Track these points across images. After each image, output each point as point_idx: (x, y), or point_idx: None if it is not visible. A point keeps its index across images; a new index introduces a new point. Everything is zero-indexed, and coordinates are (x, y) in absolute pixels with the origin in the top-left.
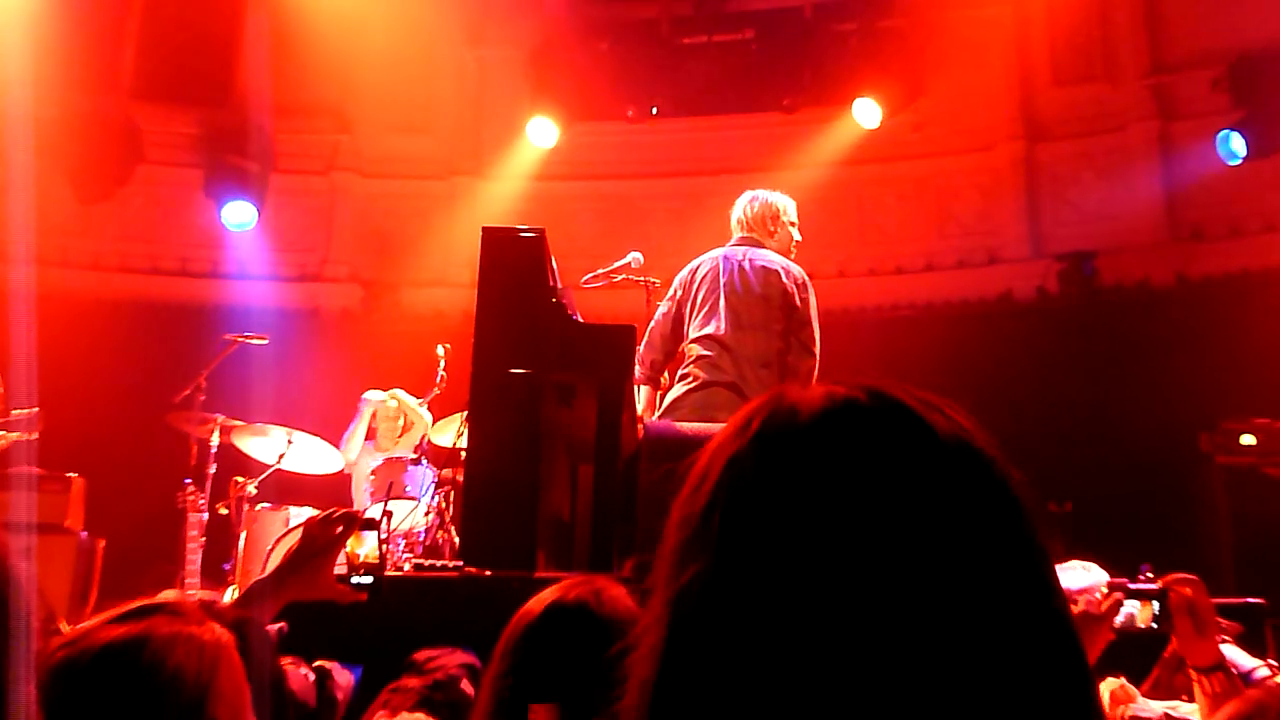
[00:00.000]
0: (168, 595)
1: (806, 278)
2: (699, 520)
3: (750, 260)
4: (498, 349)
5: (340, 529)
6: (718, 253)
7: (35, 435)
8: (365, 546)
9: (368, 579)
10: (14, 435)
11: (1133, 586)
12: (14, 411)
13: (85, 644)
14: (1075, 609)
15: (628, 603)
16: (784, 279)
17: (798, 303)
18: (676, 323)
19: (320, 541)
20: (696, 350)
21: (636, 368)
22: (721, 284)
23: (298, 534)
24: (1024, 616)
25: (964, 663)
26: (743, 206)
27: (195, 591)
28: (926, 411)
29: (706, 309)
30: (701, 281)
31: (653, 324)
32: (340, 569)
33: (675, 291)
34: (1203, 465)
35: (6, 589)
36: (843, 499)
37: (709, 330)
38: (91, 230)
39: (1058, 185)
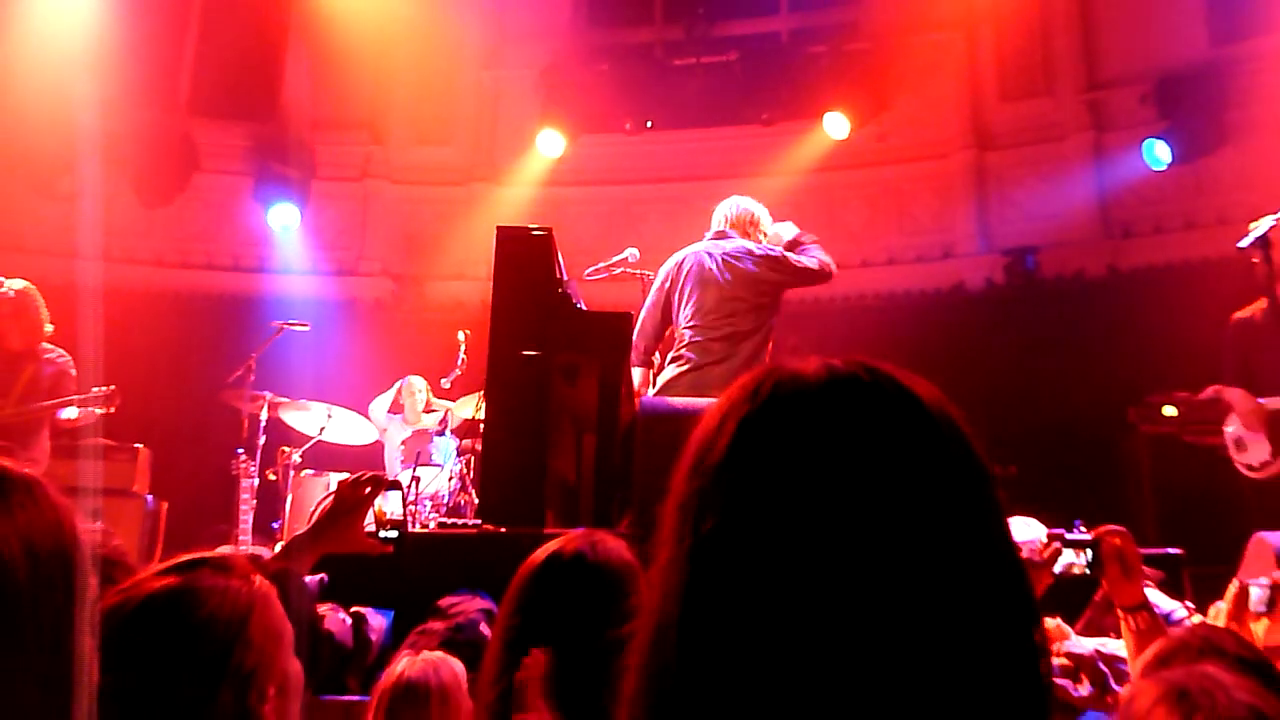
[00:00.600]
0: (223, 551)
1: (772, 249)
2: (713, 477)
3: (724, 252)
4: (511, 334)
5: (368, 490)
6: (698, 247)
7: (112, 410)
8: (391, 505)
9: (393, 533)
10: (91, 410)
11: (1070, 537)
12: (93, 389)
13: (133, 592)
14: (1020, 556)
15: (621, 552)
16: (750, 263)
17: (769, 274)
18: (665, 310)
19: (351, 501)
20: (688, 335)
21: (633, 354)
22: (703, 274)
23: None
24: (987, 550)
25: (944, 589)
26: (727, 208)
27: (247, 547)
28: (912, 383)
29: (695, 298)
30: (687, 274)
31: (644, 313)
32: (369, 525)
33: (664, 283)
34: (1129, 434)
35: (72, 549)
36: (847, 456)
37: (697, 319)
38: (154, 231)
39: (1004, 189)
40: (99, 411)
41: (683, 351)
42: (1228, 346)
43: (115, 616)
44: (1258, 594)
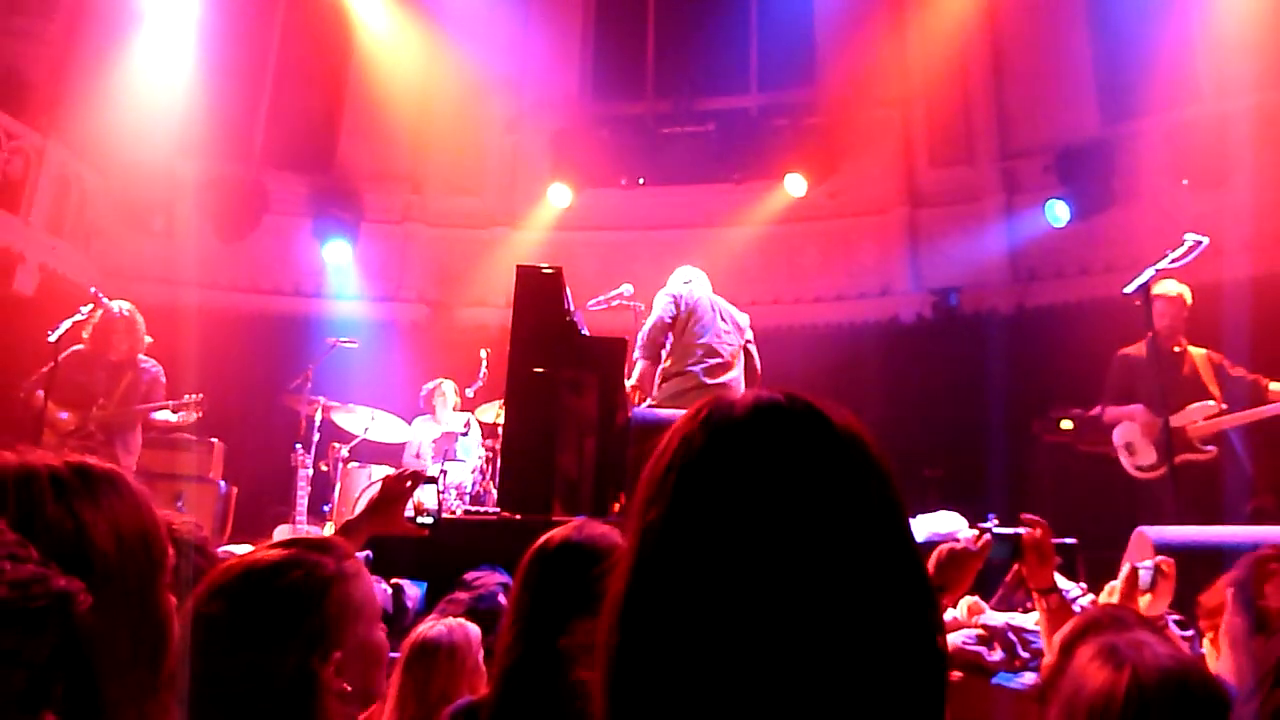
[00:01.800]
0: (283, 529)
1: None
2: (660, 479)
3: (724, 305)
4: (527, 354)
5: (409, 483)
6: (704, 291)
7: (200, 415)
8: (427, 496)
9: (428, 520)
10: (185, 415)
11: (997, 530)
12: (186, 397)
13: (244, 560)
14: (957, 546)
15: (608, 535)
16: (739, 318)
17: (747, 330)
18: (674, 324)
19: (394, 492)
20: (700, 355)
21: (639, 351)
22: (715, 314)
23: (378, 486)
24: (885, 547)
25: (843, 575)
26: (690, 270)
27: (303, 526)
28: (827, 409)
29: (710, 329)
30: (699, 308)
31: (655, 323)
32: (409, 513)
33: (679, 307)
34: (1033, 442)
35: (151, 527)
36: (762, 467)
37: (711, 342)
38: (231, 263)
39: (932, 239)
40: (193, 417)
41: (698, 369)
42: (1111, 375)
43: (221, 579)
44: (1144, 575)
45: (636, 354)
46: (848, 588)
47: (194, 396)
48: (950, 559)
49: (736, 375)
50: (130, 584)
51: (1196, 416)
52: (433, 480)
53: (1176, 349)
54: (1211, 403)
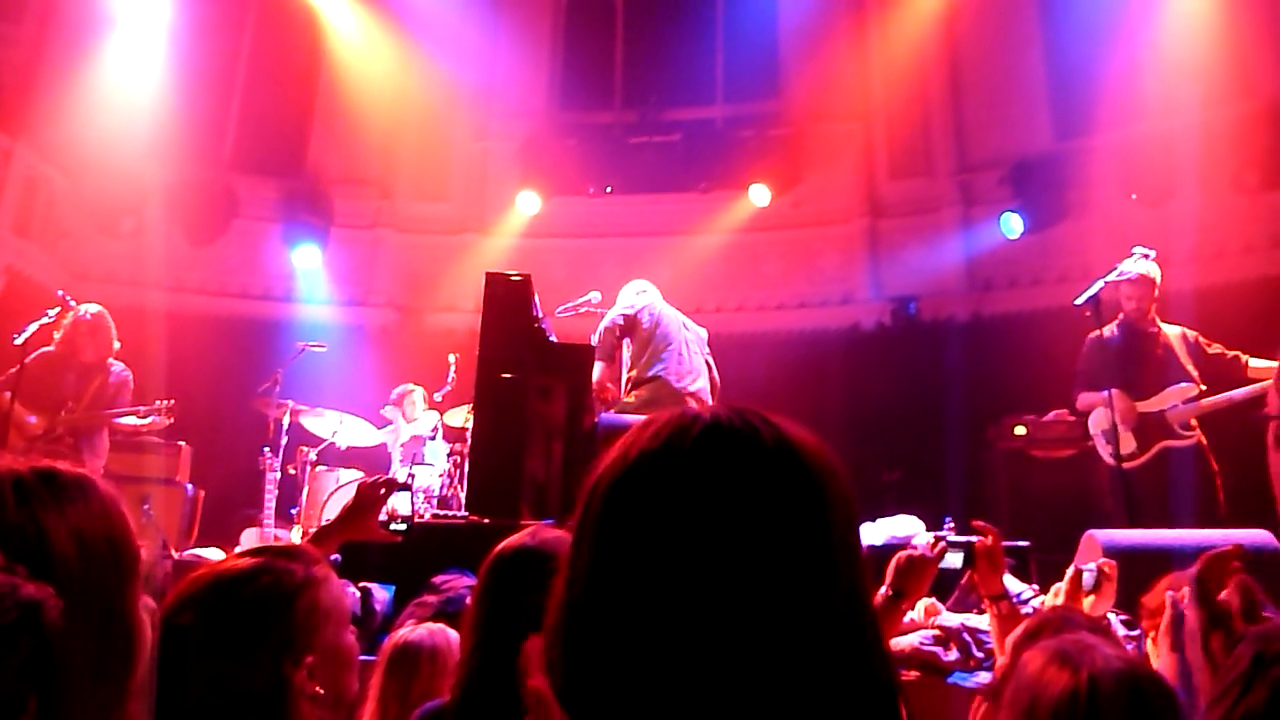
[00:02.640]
0: (250, 532)
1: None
2: (591, 490)
3: (683, 317)
4: (496, 360)
5: (383, 490)
6: (668, 306)
7: (170, 421)
8: (401, 503)
9: (402, 526)
10: (154, 420)
11: (951, 538)
12: (157, 402)
13: (216, 568)
14: (915, 553)
15: (562, 540)
16: (699, 330)
17: (706, 344)
18: (635, 329)
19: (369, 499)
20: (669, 361)
21: (595, 354)
22: (680, 325)
23: (350, 489)
24: (816, 560)
25: (768, 597)
26: (643, 283)
27: (271, 530)
28: (762, 426)
29: (676, 337)
30: (664, 319)
31: (605, 327)
32: (382, 518)
33: (643, 314)
34: (988, 448)
35: (120, 533)
36: (692, 485)
37: (679, 348)
38: (199, 266)
39: (892, 249)
40: (164, 421)
41: (663, 373)
42: (1083, 358)
43: (192, 589)
44: (1088, 577)
45: (600, 352)
46: (775, 607)
47: (164, 402)
48: (908, 565)
49: (704, 385)
50: (95, 591)
51: (1175, 399)
52: (406, 487)
53: (1151, 330)
54: (1190, 384)
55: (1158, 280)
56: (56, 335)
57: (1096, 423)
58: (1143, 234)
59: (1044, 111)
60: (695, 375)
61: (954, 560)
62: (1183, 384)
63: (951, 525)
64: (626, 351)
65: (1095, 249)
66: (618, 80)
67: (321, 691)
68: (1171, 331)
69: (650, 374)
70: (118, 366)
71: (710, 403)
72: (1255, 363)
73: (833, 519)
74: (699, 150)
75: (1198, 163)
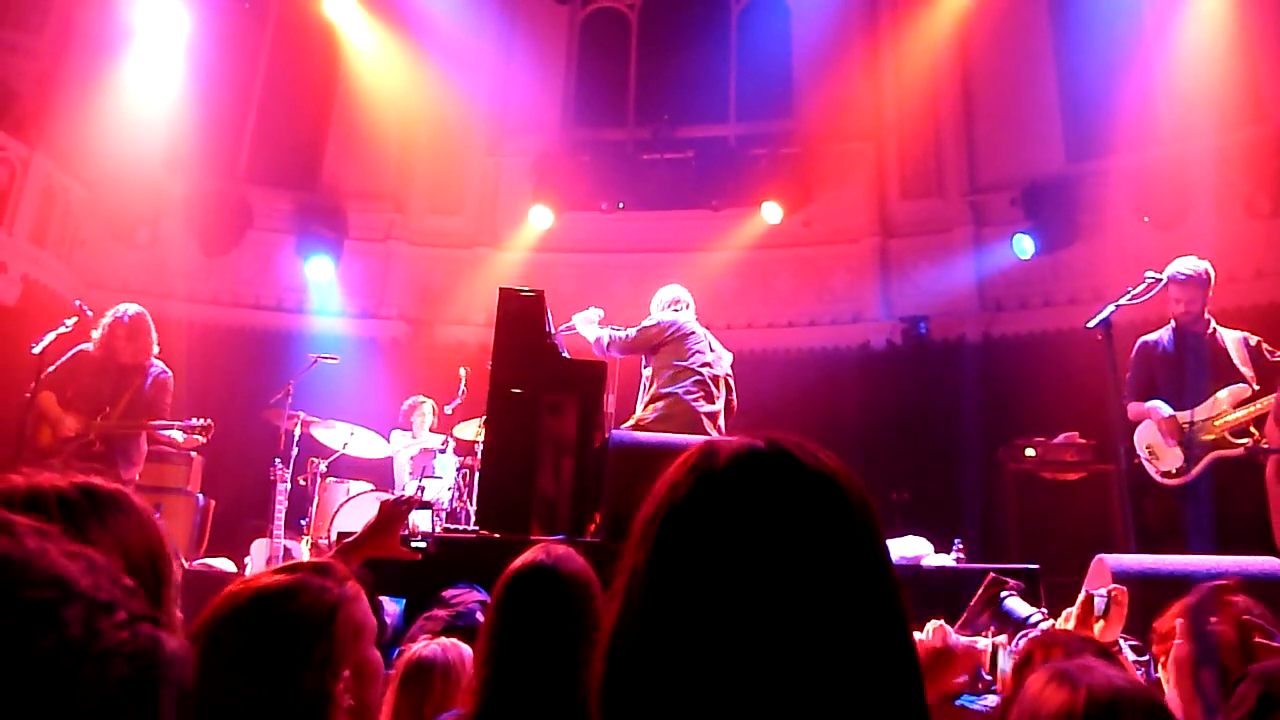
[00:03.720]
0: (260, 543)
1: None
2: (646, 524)
3: (710, 336)
4: (508, 375)
5: (405, 508)
6: (694, 322)
7: (205, 441)
8: (422, 520)
9: (422, 543)
10: (193, 437)
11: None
12: (195, 420)
13: (250, 584)
14: (936, 644)
15: (572, 558)
16: (723, 352)
17: (729, 365)
18: (656, 338)
19: (391, 515)
20: (690, 381)
21: (622, 342)
22: (706, 342)
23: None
24: (858, 584)
25: (819, 621)
26: (682, 293)
27: (280, 540)
28: (802, 454)
29: (702, 356)
30: (693, 334)
31: (641, 330)
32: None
33: (671, 327)
34: (998, 469)
35: (157, 544)
36: (740, 515)
37: (701, 368)
38: (214, 277)
39: (903, 268)
40: (200, 440)
41: (686, 389)
42: (1133, 365)
43: (230, 605)
44: (1099, 602)
45: (618, 339)
46: (824, 630)
47: (203, 421)
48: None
49: (720, 406)
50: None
51: (1226, 403)
52: (428, 505)
53: (1206, 333)
54: (1243, 385)
55: (1210, 280)
56: (95, 334)
57: (1141, 438)
58: (1154, 257)
59: (1056, 133)
60: (713, 396)
61: (1019, 607)
62: (1235, 385)
63: (961, 546)
64: (646, 369)
65: (1107, 271)
66: (631, 97)
67: (352, 703)
68: (1230, 335)
69: (667, 390)
70: (157, 367)
71: (722, 426)
72: None
73: (876, 542)
74: (711, 168)
75: (1210, 187)
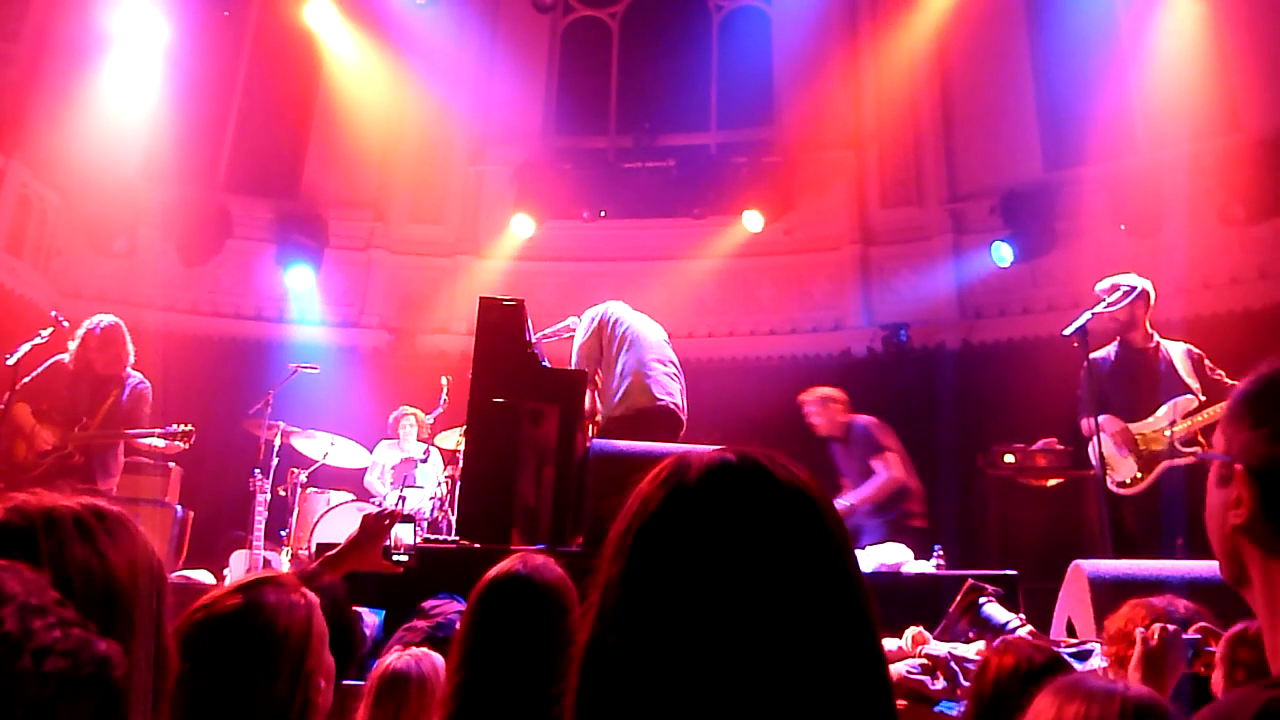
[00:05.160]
0: (239, 554)
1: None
2: (620, 537)
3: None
4: (489, 385)
5: (387, 521)
6: (637, 315)
7: (186, 446)
8: (405, 533)
9: (404, 557)
10: (171, 444)
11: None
12: (174, 426)
13: (214, 608)
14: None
15: (549, 567)
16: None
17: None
18: (602, 342)
19: (373, 529)
20: (649, 371)
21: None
22: (653, 331)
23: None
24: (828, 596)
25: (787, 632)
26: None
27: (260, 551)
28: (773, 467)
29: (653, 347)
30: (632, 327)
31: (587, 335)
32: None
33: (611, 325)
34: (978, 476)
35: (155, 564)
36: (711, 527)
37: (657, 358)
38: (192, 286)
39: (883, 276)
40: (181, 446)
41: (658, 380)
42: (1082, 384)
43: (201, 627)
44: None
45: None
46: (795, 642)
47: (183, 426)
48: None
49: (681, 397)
50: (147, 617)
51: (1174, 414)
52: (411, 519)
53: (1149, 346)
54: (1189, 397)
55: (1150, 293)
56: (71, 346)
57: (1095, 451)
58: (1131, 264)
59: (1034, 142)
60: (672, 386)
61: (997, 613)
62: (1182, 397)
63: (941, 552)
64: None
65: (1084, 278)
66: (612, 106)
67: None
68: (1174, 348)
69: (631, 385)
70: (135, 378)
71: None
72: None
73: (846, 553)
74: (692, 176)
75: (1185, 195)
